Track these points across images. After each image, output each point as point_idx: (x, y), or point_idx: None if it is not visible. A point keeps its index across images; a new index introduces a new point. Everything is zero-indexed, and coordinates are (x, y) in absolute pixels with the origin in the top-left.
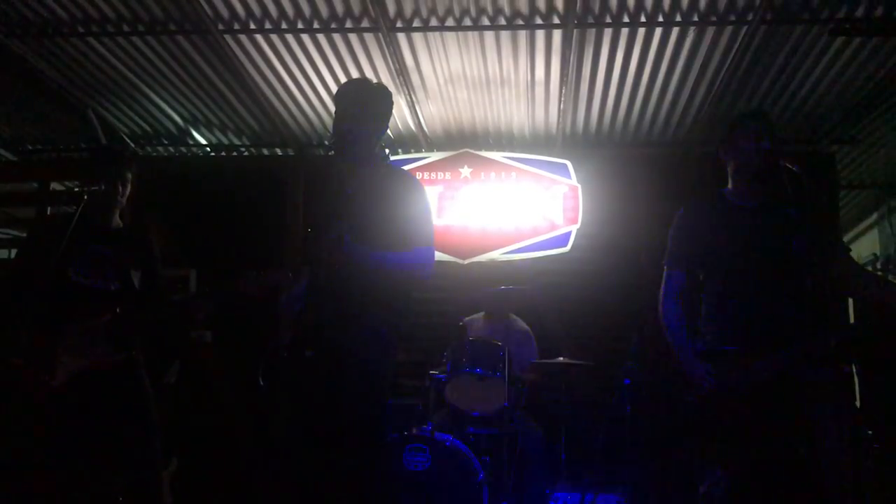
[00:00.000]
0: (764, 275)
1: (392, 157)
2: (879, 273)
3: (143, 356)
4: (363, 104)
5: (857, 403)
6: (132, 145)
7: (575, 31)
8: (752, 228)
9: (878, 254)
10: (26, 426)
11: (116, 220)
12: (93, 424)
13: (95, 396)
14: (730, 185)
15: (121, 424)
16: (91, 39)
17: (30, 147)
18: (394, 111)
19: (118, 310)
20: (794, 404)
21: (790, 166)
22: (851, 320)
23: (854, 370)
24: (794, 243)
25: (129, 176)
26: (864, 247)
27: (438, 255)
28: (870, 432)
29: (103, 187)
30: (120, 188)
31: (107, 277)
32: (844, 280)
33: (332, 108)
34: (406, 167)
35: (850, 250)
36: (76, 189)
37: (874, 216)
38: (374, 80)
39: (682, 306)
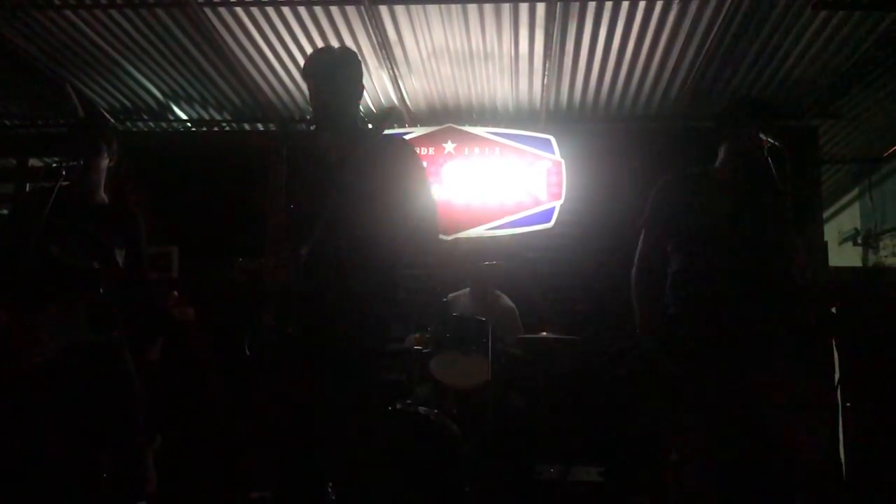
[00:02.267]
0: (738, 253)
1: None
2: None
3: (125, 334)
4: (333, 74)
5: (837, 376)
6: (112, 120)
7: (559, 4)
8: (732, 208)
9: (859, 228)
10: (6, 404)
11: (101, 197)
12: (73, 403)
13: (76, 375)
14: (717, 164)
15: (102, 403)
16: (68, 12)
17: (7, 123)
18: (376, 86)
19: (100, 289)
20: (762, 377)
21: (772, 141)
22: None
23: (834, 344)
24: (771, 227)
25: (110, 150)
26: (846, 221)
27: None
28: (848, 404)
29: (83, 162)
30: (100, 162)
31: (89, 255)
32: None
33: None
34: None
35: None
36: (55, 164)
37: (855, 190)
38: (337, 46)
39: (654, 269)
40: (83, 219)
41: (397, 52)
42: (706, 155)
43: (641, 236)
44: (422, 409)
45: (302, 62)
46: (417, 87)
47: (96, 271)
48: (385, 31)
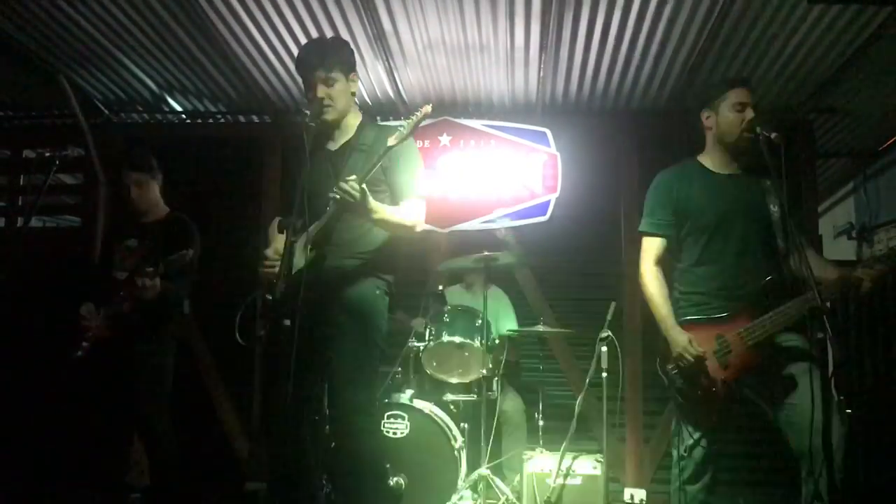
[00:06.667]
0: (741, 240)
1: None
2: (854, 239)
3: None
4: (327, 64)
5: (830, 370)
6: (106, 112)
7: None
8: (728, 195)
9: (854, 222)
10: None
11: (155, 215)
12: (101, 389)
13: (104, 366)
14: (706, 151)
15: (125, 392)
16: (61, 2)
17: (0, 113)
18: (371, 77)
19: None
20: (772, 369)
21: (769, 135)
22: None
23: (828, 337)
24: (770, 210)
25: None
26: (840, 215)
27: None
28: (841, 398)
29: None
30: (151, 182)
31: (131, 268)
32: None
33: None
34: None
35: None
36: (48, 155)
37: (850, 184)
38: (329, 36)
39: (661, 273)
40: (132, 236)
41: (393, 44)
42: (700, 146)
43: (644, 240)
44: (417, 402)
45: (297, 54)
46: (413, 80)
47: (125, 280)
48: (380, 22)
